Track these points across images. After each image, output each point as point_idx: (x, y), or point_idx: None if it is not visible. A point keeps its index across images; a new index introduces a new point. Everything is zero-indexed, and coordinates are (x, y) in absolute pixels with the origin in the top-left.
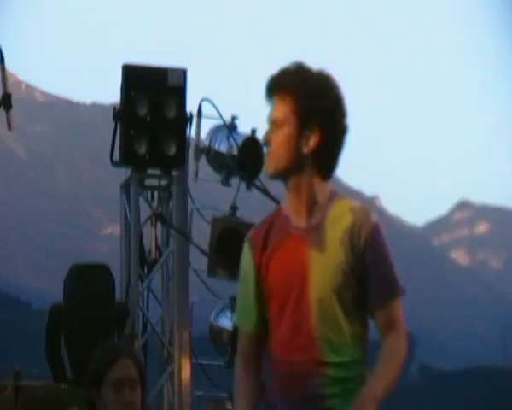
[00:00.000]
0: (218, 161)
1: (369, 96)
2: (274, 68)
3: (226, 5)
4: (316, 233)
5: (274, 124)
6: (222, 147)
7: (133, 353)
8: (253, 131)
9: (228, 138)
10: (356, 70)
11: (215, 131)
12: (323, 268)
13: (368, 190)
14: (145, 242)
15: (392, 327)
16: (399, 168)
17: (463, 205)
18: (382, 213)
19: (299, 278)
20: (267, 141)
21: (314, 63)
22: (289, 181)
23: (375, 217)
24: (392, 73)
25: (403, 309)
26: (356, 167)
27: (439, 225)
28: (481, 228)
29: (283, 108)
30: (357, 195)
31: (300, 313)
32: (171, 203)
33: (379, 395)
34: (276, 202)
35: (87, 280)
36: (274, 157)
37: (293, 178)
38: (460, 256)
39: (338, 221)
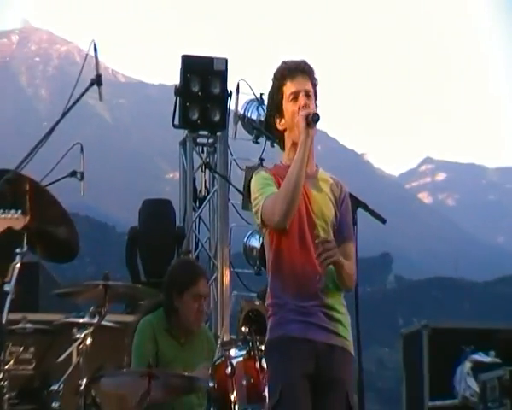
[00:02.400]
0: (251, 125)
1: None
2: (289, 56)
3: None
4: (313, 179)
5: (306, 93)
6: (253, 115)
7: (206, 274)
8: None
9: (257, 109)
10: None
11: (248, 104)
12: (321, 201)
13: (358, 148)
14: (197, 184)
15: (350, 258)
16: (382, 132)
17: (427, 160)
18: (369, 165)
19: (304, 204)
20: (306, 104)
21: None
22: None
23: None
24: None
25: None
26: (351, 131)
27: (410, 174)
28: (440, 176)
29: (309, 85)
30: (351, 152)
31: (304, 228)
32: (216, 156)
33: (344, 262)
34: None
35: (155, 211)
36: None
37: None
38: (425, 197)
39: (325, 178)
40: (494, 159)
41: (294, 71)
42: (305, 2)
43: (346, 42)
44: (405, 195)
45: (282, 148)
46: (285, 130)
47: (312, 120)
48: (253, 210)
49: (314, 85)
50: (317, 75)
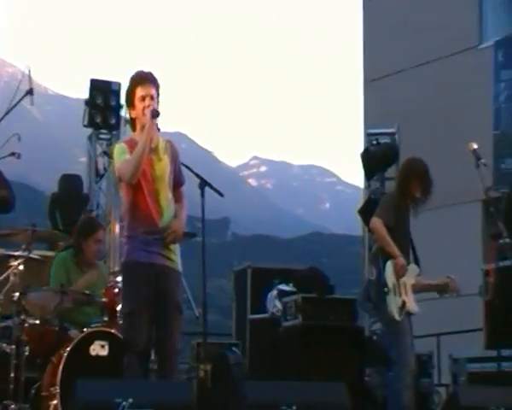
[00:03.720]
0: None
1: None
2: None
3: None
4: (156, 151)
5: (152, 98)
6: None
7: (103, 225)
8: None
9: None
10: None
11: None
12: (161, 167)
13: (209, 147)
14: (98, 165)
15: (182, 198)
16: (226, 135)
17: (254, 158)
18: (216, 159)
19: (149, 169)
20: (150, 104)
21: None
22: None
23: None
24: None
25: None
26: (205, 133)
27: (243, 166)
28: (262, 169)
29: (153, 90)
30: (204, 150)
31: (149, 185)
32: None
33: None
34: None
35: (70, 182)
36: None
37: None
38: (252, 182)
39: (163, 146)
40: (297, 159)
41: (144, 79)
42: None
43: (196, 49)
44: (240, 180)
45: (134, 129)
46: (136, 118)
47: (154, 114)
48: (114, 170)
49: (157, 89)
50: (159, 82)
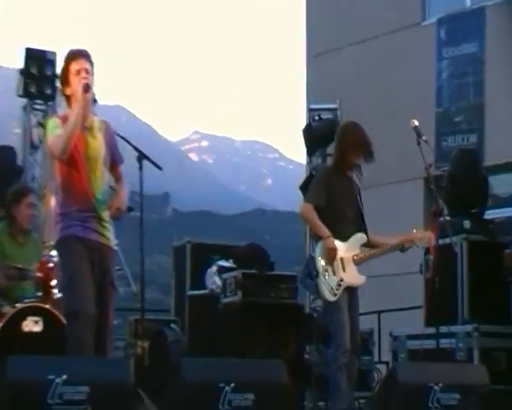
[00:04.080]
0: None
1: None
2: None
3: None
4: (90, 130)
5: (86, 72)
6: None
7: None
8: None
9: None
10: None
11: None
12: (95, 146)
13: (148, 120)
14: (33, 136)
15: (121, 178)
16: (167, 110)
17: (196, 132)
18: (156, 134)
19: (83, 148)
20: (85, 78)
21: None
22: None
23: None
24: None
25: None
26: (144, 106)
27: (184, 141)
28: (204, 143)
29: (88, 65)
30: (144, 123)
31: (84, 164)
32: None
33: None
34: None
35: (3, 153)
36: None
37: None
38: (193, 156)
39: (98, 126)
40: (239, 134)
41: (78, 55)
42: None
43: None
44: (181, 154)
45: (69, 106)
46: (71, 95)
47: (86, 88)
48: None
49: (91, 66)
50: (93, 59)
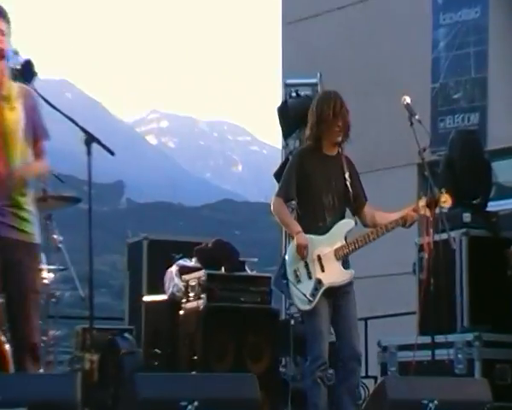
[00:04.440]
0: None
1: None
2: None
3: None
4: (8, 100)
5: (2, 33)
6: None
7: None
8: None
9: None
10: None
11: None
12: (13, 119)
13: (97, 97)
14: None
15: (43, 154)
16: (120, 87)
17: (153, 111)
18: (106, 112)
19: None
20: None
21: None
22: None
23: None
24: None
25: None
26: (92, 81)
27: (140, 121)
28: (163, 124)
29: (3, 25)
30: (92, 100)
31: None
32: None
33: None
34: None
35: None
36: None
37: None
38: (151, 139)
39: (17, 94)
40: (204, 113)
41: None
42: None
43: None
44: (136, 137)
45: None
46: None
47: (1, 53)
48: None
49: (8, 24)
50: (9, 16)
